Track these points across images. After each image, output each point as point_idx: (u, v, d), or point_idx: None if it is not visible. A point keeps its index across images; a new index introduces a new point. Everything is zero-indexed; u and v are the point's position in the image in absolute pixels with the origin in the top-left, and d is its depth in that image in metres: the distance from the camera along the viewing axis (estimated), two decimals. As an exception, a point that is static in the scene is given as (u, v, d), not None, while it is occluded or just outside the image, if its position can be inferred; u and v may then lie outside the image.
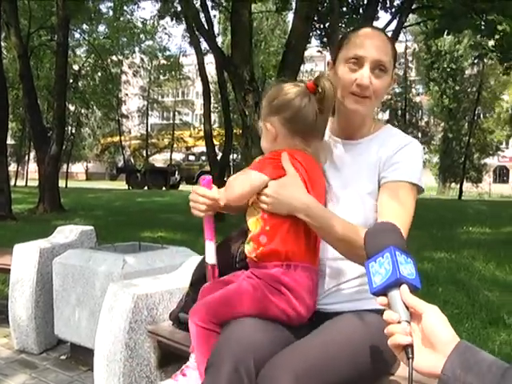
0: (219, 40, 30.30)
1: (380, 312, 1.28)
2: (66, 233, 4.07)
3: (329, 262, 1.81)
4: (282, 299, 1.65)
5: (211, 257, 1.87)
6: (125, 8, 22.63)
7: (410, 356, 1.14)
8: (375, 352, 1.63)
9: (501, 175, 50.96)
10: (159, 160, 40.96)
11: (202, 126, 17.50)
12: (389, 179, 1.77)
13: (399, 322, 1.17)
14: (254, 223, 1.74)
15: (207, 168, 28.49)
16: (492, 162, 43.18)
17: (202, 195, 1.83)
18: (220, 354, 1.50)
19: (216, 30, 22.67)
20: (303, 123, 1.76)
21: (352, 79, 1.76)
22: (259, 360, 1.49)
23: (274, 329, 1.64)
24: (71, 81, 24.63)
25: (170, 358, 2.51)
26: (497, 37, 10.84)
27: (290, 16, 34.52)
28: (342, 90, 1.80)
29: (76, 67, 27.91)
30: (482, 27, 11.90)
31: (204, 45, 13.95)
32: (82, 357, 3.42)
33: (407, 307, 1.19)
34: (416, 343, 1.16)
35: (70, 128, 30.65)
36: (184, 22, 14.23)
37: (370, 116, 1.90)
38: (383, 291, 1.22)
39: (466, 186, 35.44)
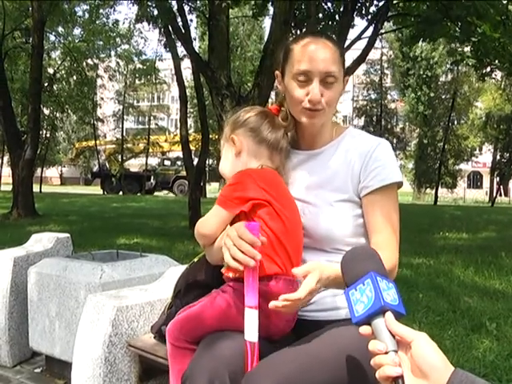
0: (197, 45, 30.24)
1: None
2: (41, 240, 3.95)
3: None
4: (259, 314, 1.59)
5: (253, 331, 1.47)
6: (101, 11, 22.44)
7: None
8: (362, 361, 1.55)
9: (475, 181, 51.68)
10: (134, 165, 40.74)
11: (178, 130, 17.38)
12: (372, 188, 1.75)
13: (386, 353, 1.10)
14: None
15: (183, 173, 28.41)
16: (466, 167, 43.79)
17: (250, 242, 1.49)
18: (194, 370, 1.48)
19: (193, 34, 22.56)
20: (269, 135, 1.79)
21: (303, 95, 1.73)
22: (236, 372, 1.45)
23: None
24: (46, 84, 24.32)
25: (152, 372, 2.43)
26: (474, 40, 10.94)
27: (266, 21, 34.68)
28: (294, 105, 1.78)
29: (51, 70, 27.55)
30: (457, 34, 12.02)
31: (180, 49, 13.87)
32: (57, 370, 3.32)
33: (393, 335, 1.13)
34: (406, 373, 1.09)
35: (44, 132, 30.29)
36: (160, 26, 14.14)
37: (328, 121, 1.86)
38: (366, 320, 1.16)
39: (441, 191, 35.99)
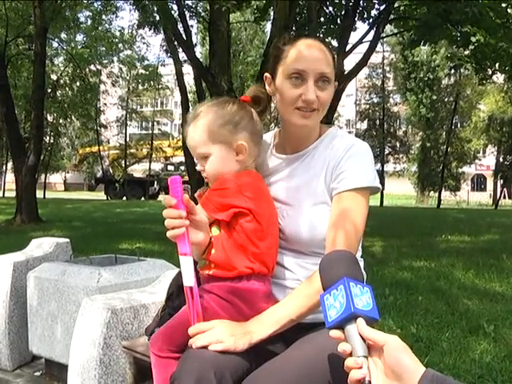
0: (199, 50, 30.31)
1: None
2: (41, 245, 3.98)
3: (288, 273, 1.79)
4: (234, 312, 1.65)
5: (189, 276, 1.52)
6: (103, 17, 22.53)
7: None
8: None
9: (478, 183, 51.49)
10: (138, 170, 40.76)
11: (181, 135, 17.41)
12: (338, 190, 1.73)
13: (351, 355, 1.14)
14: None
15: (186, 178, 28.42)
16: (470, 170, 43.62)
17: (177, 217, 1.50)
18: (181, 372, 1.49)
19: (195, 39, 22.62)
20: (263, 135, 1.85)
21: (296, 95, 1.71)
22: (223, 372, 1.47)
23: None
24: (49, 90, 24.43)
25: (146, 374, 2.45)
26: (471, 47, 10.94)
27: (269, 26, 34.71)
28: (286, 106, 1.76)
29: (54, 77, 27.71)
30: (458, 38, 12.04)
31: (182, 54, 13.94)
32: (56, 373, 3.34)
33: (364, 341, 1.16)
34: (379, 376, 1.13)
35: (48, 138, 30.40)
36: (162, 31, 14.21)
37: (317, 124, 1.86)
38: (339, 325, 1.18)
39: (445, 194, 35.91)
